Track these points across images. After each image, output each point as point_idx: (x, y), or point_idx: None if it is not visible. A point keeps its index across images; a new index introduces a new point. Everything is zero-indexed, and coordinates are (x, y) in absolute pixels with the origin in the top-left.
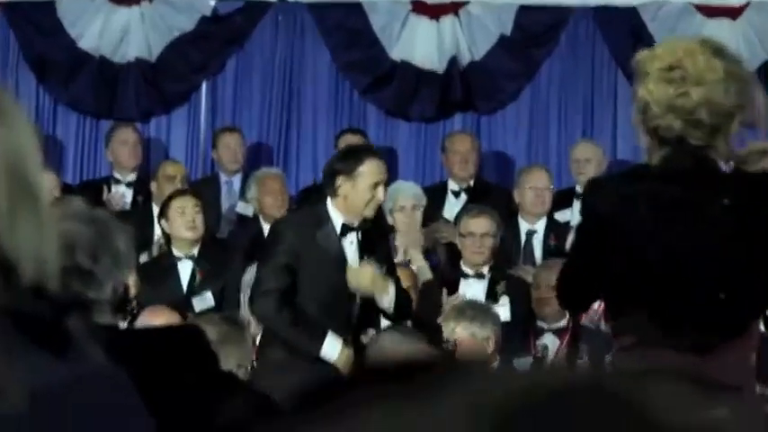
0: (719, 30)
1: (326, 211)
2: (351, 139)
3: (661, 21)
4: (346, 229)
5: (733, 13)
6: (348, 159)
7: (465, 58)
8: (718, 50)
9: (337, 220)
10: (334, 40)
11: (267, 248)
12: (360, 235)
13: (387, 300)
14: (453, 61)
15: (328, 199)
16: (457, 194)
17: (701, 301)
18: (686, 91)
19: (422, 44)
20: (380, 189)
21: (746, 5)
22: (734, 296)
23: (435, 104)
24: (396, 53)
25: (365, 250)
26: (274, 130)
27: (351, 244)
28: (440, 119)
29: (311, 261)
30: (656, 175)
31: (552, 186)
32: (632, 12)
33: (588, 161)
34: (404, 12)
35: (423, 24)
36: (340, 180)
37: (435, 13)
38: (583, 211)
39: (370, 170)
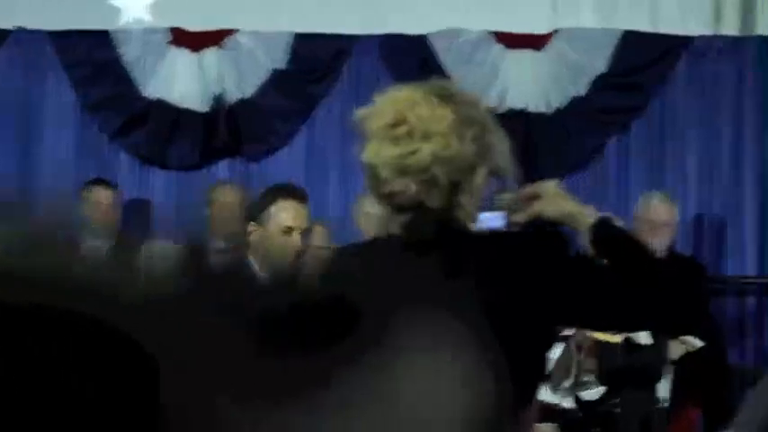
0: (521, 62)
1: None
2: (100, 193)
3: (456, 51)
4: None
5: (537, 42)
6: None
7: (232, 96)
8: (445, 96)
9: None
10: (79, 75)
11: None
12: None
13: None
14: (218, 99)
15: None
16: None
17: None
18: (415, 148)
19: (181, 80)
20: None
21: (552, 34)
22: None
23: (197, 149)
24: (150, 90)
25: None
26: (5, 181)
27: None
28: (202, 166)
29: None
30: (397, 246)
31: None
32: (422, 41)
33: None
34: (160, 42)
35: (182, 57)
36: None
37: (197, 44)
38: None
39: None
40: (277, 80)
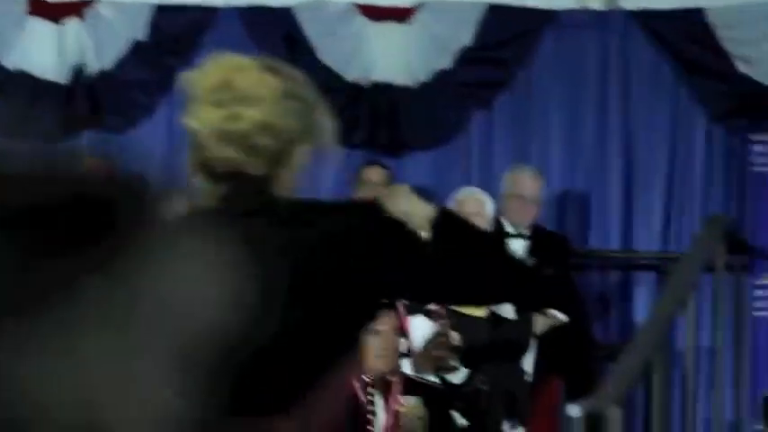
0: (386, 35)
1: None
2: None
3: (320, 24)
4: None
5: (401, 15)
6: None
7: (92, 67)
8: (273, 68)
9: None
10: None
11: None
12: None
13: None
14: (78, 71)
15: None
16: None
17: None
18: (238, 113)
19: (41, 51)
20: None
21: (417, 7)
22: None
23: (58, 121)
24: (10, 61)
25: None
26: None
27: None
28: (63, 138)
29: None
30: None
31: None
32: (286, 13)
33: None
34: (19, 13)
35: (42, 28)
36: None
37: (56, 14)
38: None
39: None
40: (137, 52)
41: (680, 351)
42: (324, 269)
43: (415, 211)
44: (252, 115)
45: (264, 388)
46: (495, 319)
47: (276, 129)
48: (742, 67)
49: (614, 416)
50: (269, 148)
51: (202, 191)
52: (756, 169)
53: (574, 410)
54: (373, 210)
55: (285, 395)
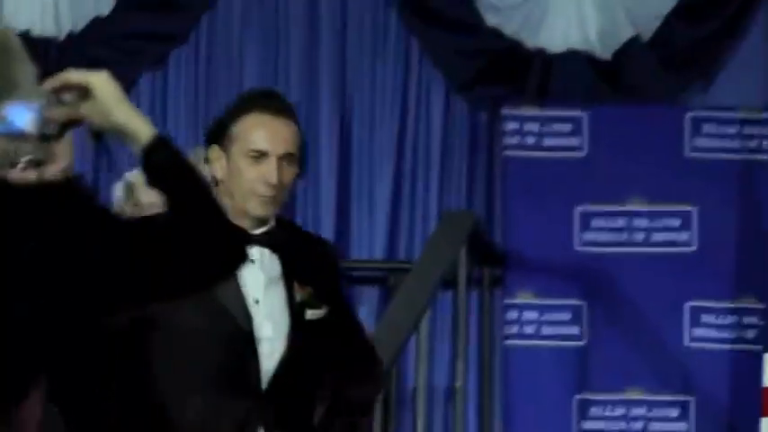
0: None
1: None
2: None
3: None
4: None
5: None
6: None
7: None
8: None
9: None
10: None
11: None
12: (269, 252)
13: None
14: None
15: None
16: None
17: None
18: None
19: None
20: (269, 164)
21: None
22: None
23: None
24: None
25: (289, 278)
26: None
27: (251, 264)
28: None
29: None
30: None
31: None
32: None
33: None
34: None
35: None
36: (214, 152)
37: None
38: None
39: (246, 129)
40: None
41: (409, 388)
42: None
43: (131, 126)
44: None
45: None
46: None
47: None
48: (491, 19)
49: None
50: None
51: None
52: (510, 153)
53: None
54: (64, 188)
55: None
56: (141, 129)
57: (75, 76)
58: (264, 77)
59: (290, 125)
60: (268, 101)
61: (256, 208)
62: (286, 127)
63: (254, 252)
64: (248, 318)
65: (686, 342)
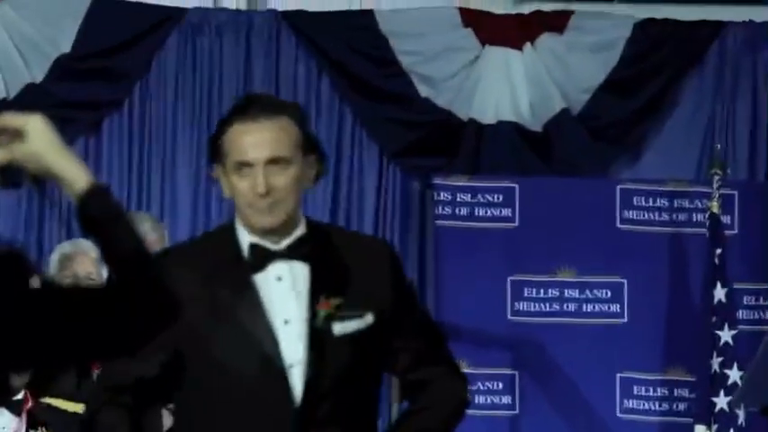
0: None
1: (233, 230)
2: None
3: None
4: (261, 254)
5: None
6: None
7: None
8: None
9: (245, 239)
10: None
11: None
12: (301, 264)
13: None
14: None
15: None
16: None
17: None
18: None
19: None
20: (256, 173)
21: None
22: None
23: None
24: None
25: (317, 291)
26: None
27: (278, 282)
28: None
29: (214, 333)
30: None
31: None
32: None
33: None
34: None
35: None
36: (217, 172)
37: None
38: None
39: (229, 142)
40: None
41: None
42: None
43: (67, 173)
44: None
45: None
46: None
47: None
48: (424, 90)
49: None
50: None
51: None
52: (442, 223)
53: None
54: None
55: None
56: (77, 175)
57: (9, 118)
58: (199, 143)
59: (272, 127)
60: (246, 107)
61: (257, 221)
62: (268, 131)
63: (281, 268)
64: (275, 343)
65: (618, 413)
